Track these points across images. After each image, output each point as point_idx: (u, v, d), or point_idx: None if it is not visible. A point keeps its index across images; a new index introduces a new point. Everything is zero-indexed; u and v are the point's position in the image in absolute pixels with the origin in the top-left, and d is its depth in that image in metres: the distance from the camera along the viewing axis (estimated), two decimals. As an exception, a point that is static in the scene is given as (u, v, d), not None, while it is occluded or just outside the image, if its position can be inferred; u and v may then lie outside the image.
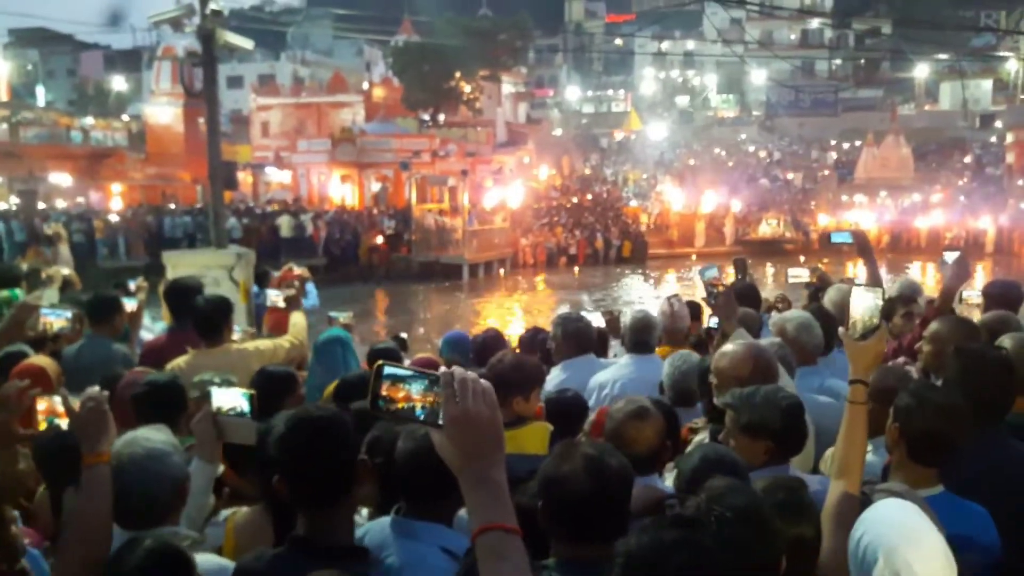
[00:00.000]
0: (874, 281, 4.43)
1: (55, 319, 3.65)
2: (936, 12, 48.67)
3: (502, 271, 30.44)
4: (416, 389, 1.35)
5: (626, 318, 4.70)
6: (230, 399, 2.81)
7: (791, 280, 6.14)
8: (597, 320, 5.69)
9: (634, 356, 4.41)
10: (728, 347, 3.19)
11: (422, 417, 1.35)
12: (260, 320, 6.93)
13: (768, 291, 8.14)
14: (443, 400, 1.32)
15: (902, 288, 4.82)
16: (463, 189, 29.97)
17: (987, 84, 58.31)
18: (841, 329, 2.35)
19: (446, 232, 29.11)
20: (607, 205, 36.82)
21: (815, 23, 56.71)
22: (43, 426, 2.46)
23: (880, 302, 2.34)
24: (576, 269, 31.88)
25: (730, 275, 4.49)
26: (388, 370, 1.36)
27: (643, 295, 25.26)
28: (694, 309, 5.73)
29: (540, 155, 40.46)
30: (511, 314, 23.41)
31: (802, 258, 29.38)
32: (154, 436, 2.32)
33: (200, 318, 4.26)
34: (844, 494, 2.16)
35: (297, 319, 4.40)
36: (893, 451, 2.50)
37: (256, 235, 26.00)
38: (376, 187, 33.78)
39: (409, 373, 1.36)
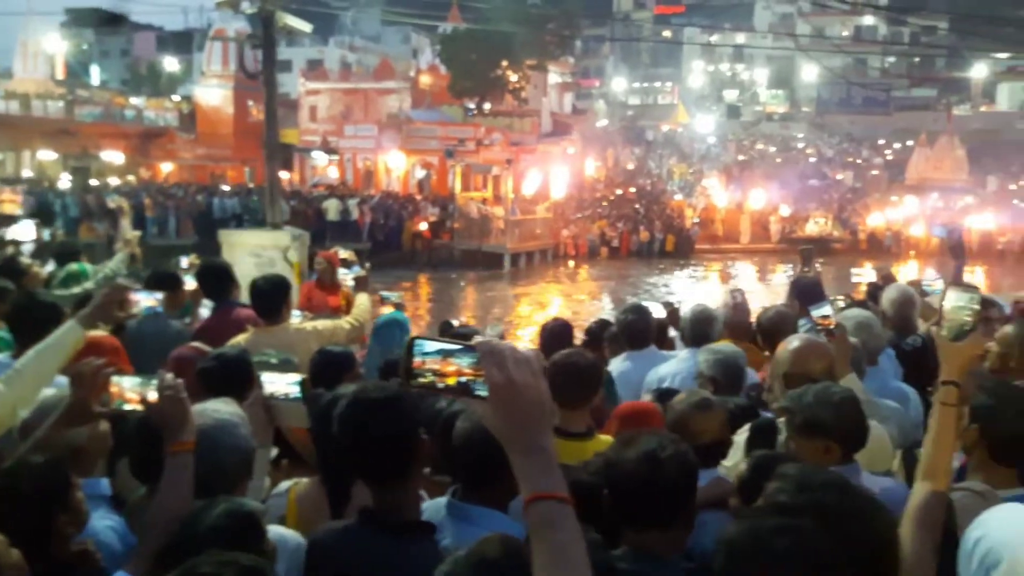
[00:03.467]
0: (958, 281, 4.35)
1: (144, 299, 3.70)
2: (994, 9, 47.43)
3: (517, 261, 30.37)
4: (453, 362, 1.32)
5: (685, 310, 4.66)
6: (281, 384, 2.85)
7: (854, 279, 6.06)
8: (658, 311, 5.64)
9: (694, 350, 4.37)
10: (792, 341, 3.17)
11: (461, 390, 1.32)
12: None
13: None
14: (484, 371, 1.28)
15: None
16: (507, 178, 29.96)
17: (1048, 85, 56.78)
18: (933, 328, 2.29)
19: (488, 221, 29.18)
20: (651, 198, 36.54)
21: (869, 19, 55.56)
22: (112, 405, 2.46)
23: (976, 304, 2.27)
24: (615, 261, 31.74)
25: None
26: (421, 343, 1.34)
27: (688, 289, 25.07)
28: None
29: (585, 146, 40.27)
30: (551, 304, 23.39)
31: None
32: (223, 408, 2.35)
33: (259, 297, 4.31)
34: (932, 495, 2.11)
35: (362, 300, 4.45)
36: (972, 452, 2.46)
37: (303, 218, 26.26)
38: (420, 174, 33.95)
39: (446, 347, 1.33)
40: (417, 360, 1.33)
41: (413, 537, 2.04)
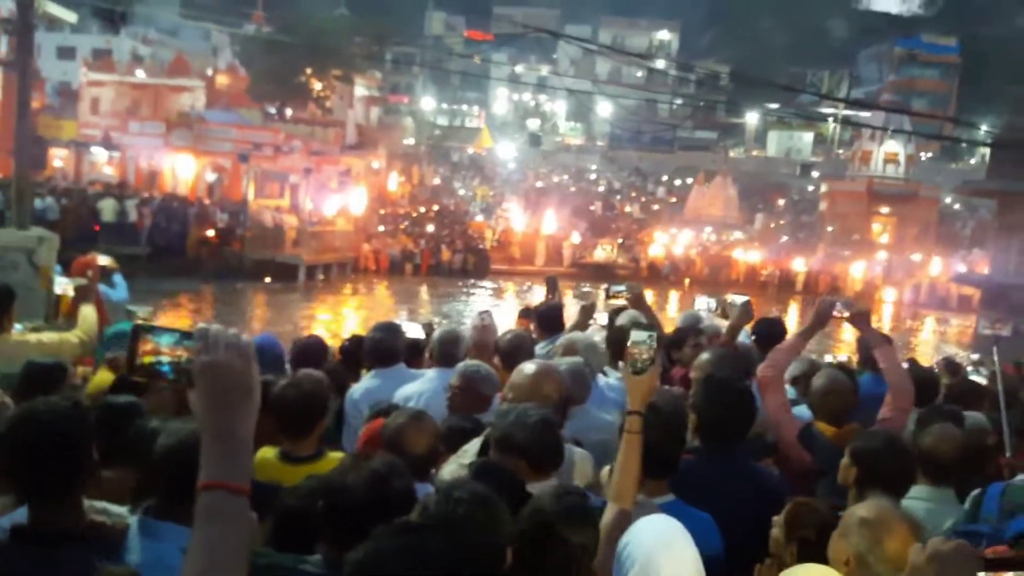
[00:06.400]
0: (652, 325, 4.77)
1: None
2: (769, 64, 52.66)
3: (322, 276, 29.89)
4: (152, 340, 1.33)
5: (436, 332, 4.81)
6: None
7: (610, 301, 6.35)
8: (416, 331, 5.71)
9: (440, 370, 4.49)
10: (527, 366, 3.37)
11: (170, 374, 1.33)
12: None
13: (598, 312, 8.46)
14: (194, 353, 1.28)
15: (687, 320, 5.22)
16: (305, 187, 29.26)
17: (808, 137, 63.94)
18: (621, 363, 2.53)
19: (284, 230, 28.32)
20: (454, 218, 37.13)
21: (661, 63, 59.76)
22: None
23: (654, 342, 2.54)
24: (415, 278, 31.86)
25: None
26: (143, 328, 1.35)
27: (480, 308, 25.58)
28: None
29: (391, 161, 40.24)
30: (345, 319, 23.09)
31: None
32: None
33: None
34: (619, 514, 2.32)
35: (87, 312, 4.15)
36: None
37: (74, 217, 24.28)
38: (211, 177, 32.29)
39: (163, 329, 1.35)
40: (139, 346, 1.33)
41: (65, 550, 2.03)
